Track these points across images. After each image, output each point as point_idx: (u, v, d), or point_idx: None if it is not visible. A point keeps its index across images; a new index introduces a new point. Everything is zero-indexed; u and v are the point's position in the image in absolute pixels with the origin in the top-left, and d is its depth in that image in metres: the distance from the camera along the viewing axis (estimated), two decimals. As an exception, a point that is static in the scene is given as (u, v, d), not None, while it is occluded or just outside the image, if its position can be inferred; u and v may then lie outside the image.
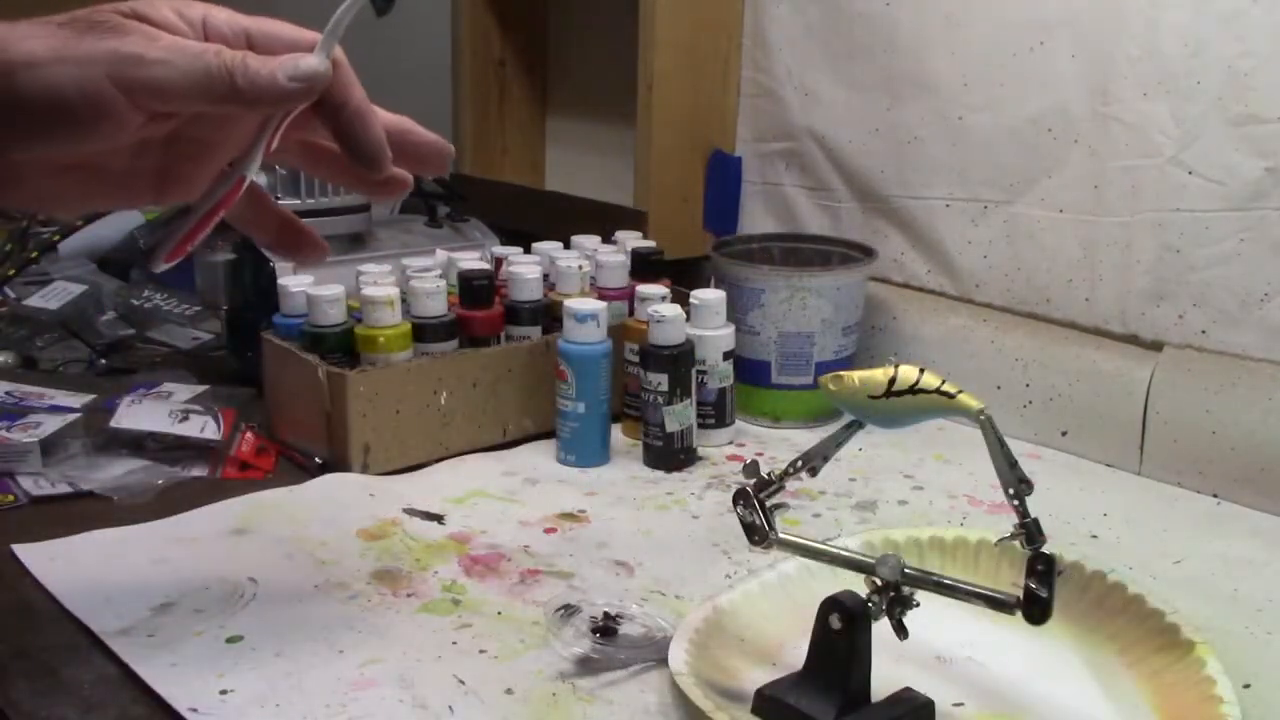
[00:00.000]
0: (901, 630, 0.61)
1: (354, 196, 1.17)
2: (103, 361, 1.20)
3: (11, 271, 1.30)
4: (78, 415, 0.98)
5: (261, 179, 1.13)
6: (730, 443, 1.04)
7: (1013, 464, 0.58)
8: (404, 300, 0.98)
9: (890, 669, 0.64)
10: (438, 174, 0.62)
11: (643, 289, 1.03)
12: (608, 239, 1.18)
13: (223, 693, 0.63)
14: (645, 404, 0.97)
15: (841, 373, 0.63)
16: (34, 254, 1.31)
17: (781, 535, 0.67)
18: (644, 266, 1.10)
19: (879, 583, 0.61)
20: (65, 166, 0.57)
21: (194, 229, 0.58)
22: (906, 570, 0.61)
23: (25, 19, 0.52)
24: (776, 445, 1.03)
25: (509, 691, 0.64)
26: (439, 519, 0.87)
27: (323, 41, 0.56)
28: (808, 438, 1.03)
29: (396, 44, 1.76)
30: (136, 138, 0.55)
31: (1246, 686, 0.65)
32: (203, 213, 0.58)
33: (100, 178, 0.59)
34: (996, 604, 0.59)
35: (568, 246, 1.16)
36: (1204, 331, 0.95)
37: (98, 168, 0.58)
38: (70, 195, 0.59)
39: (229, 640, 0.69)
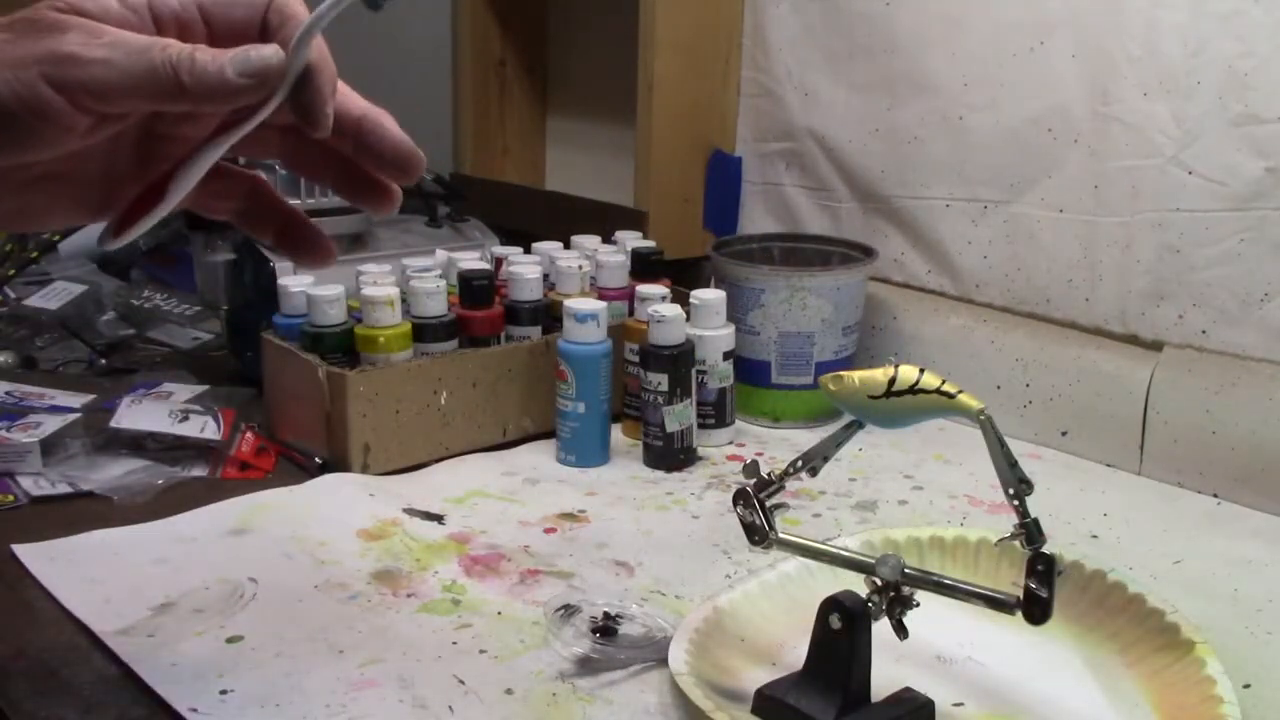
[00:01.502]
0: (901, 630, 0.61)
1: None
2: (103, 361, 1.20)
3: (11, 271, 1.30)
4: (78, 415, 0.98)
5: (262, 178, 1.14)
6: (730, 443, 1.04)
7: (1013, 464, 0.58)
8: (404, 300, 0.98)
9: (890, 669, 0.64)
10: (404, 183, 0.57)
11: (643, 289, 1.03)
12: (608, 239, 1.18)
13: (223, 693, 0.63)
14: (645, 404, 0.97)
15: (841, 373, 0.63)
16: (34, 254, 1.31)
17: (781, 535, 0.67)
18: (644, 266, 1.10)
19: (879, 583, 0.61)
20: (35, 179, 0.54)
21: (135, 205, 0.54)
22: (906, 570, 0.61)
23: None
24: (776, 445, 1.03)
25: (509, 691, 0.64)
26: (439, 519, 0.87)
27: (298, 37, 0.51)
28: (808, 438, 1.03)
29: (396, 44, 1.76)
30: (90, 141, 0.52)
31: (1246, 686, 0.65)
32: (143, 190, 0.54)
33: (76, 187, 0.56)
34: (996, 604, 0.59)
35: (568, 246, 1.16)
36: (1204, 331, 0.95)
37: (70, 177, 0.55)
38: (47, 209, 0.56)
39: (229, 640, 0.69)
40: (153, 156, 0.57)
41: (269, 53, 0.50)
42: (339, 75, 0.53)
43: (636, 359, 0.99)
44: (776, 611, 0.71)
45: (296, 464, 0.96)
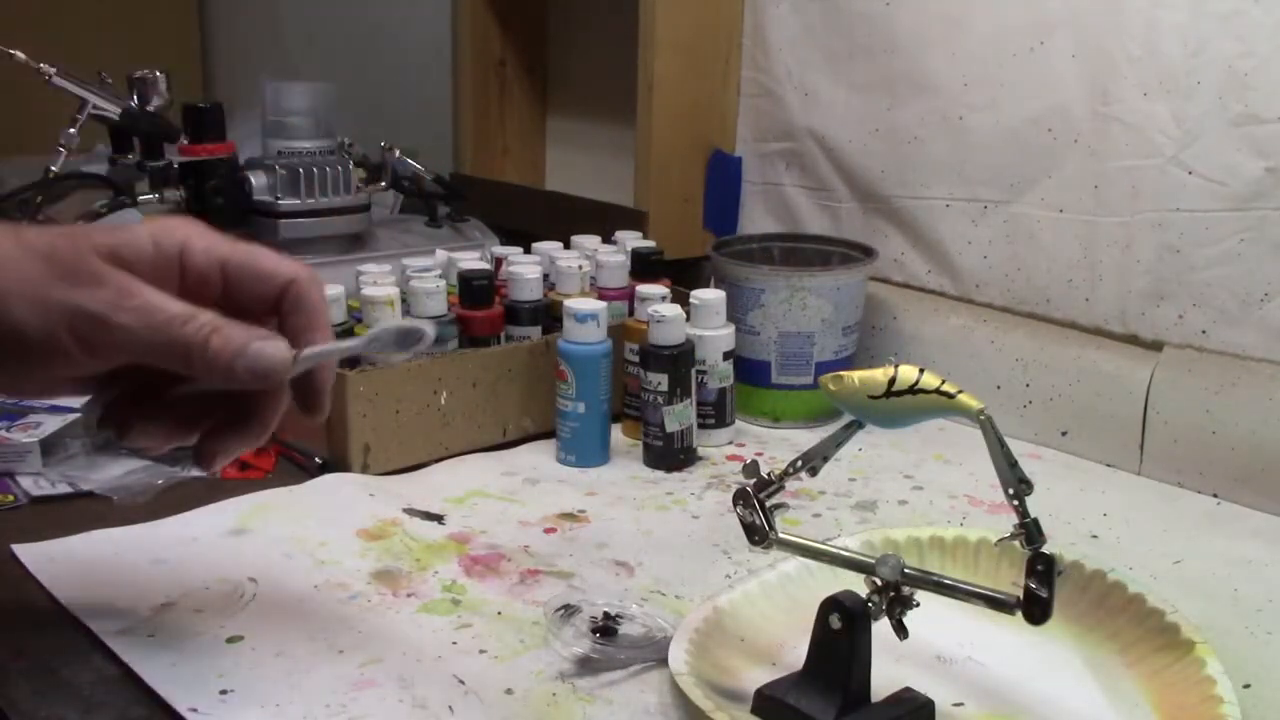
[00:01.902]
0: (901, 630, 0.61)
1: (354, 196, 1.17)
2: (103, 361, 1.19)
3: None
4: (78, 415, 0.98)
5: (262, 179, 1.14)
6: (730, 443, 1.04)
7: (1013, 464, 0.58)
8: (404, 300, 0.98)
9: (890, 669, 0.64)
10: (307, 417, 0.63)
11: (643, 289, 1.03)
12: (608, 239, 1.18)
13: (223, 693, 0.63)
14: (645, 404, 0.97)
15: (841, 373, 0.63)
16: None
17: (781, 535, 0.67)
18: (644, 266, 1.10)
19: (879, 583, 0.61)
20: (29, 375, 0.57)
21: (128, 408, 0.61)
22: (906, 570, 0.61)
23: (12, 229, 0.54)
24: (776, 445, 1.03)
25: (509, 691, 0.64)
26: (439, 519, 0.87)
27: (311, 354, 0.57)
28: (808, 438, 1.03)
29: (397, 44, 1.76)
30: (92, 369, 0.56)
31: (1246, 686, 0.65)
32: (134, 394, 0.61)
33: (72, 380, 0.59)
34: (996, 604, 0.59)
35: (568, 246, 1.16)
36: (1204, 331, 0.95)
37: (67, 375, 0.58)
38: (40, 390, 0.61)
39: (229, 640, 0.69)
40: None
41: (278, 360, 0.55)
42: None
43: (636, 359, 0.99)
44: (776, 611, 0.71)
45: (296, 464, 0.96)
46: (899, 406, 0.61)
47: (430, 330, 0.58)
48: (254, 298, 0.58)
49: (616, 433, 1.02)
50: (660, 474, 0.97)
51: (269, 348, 0.55)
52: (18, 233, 0.54)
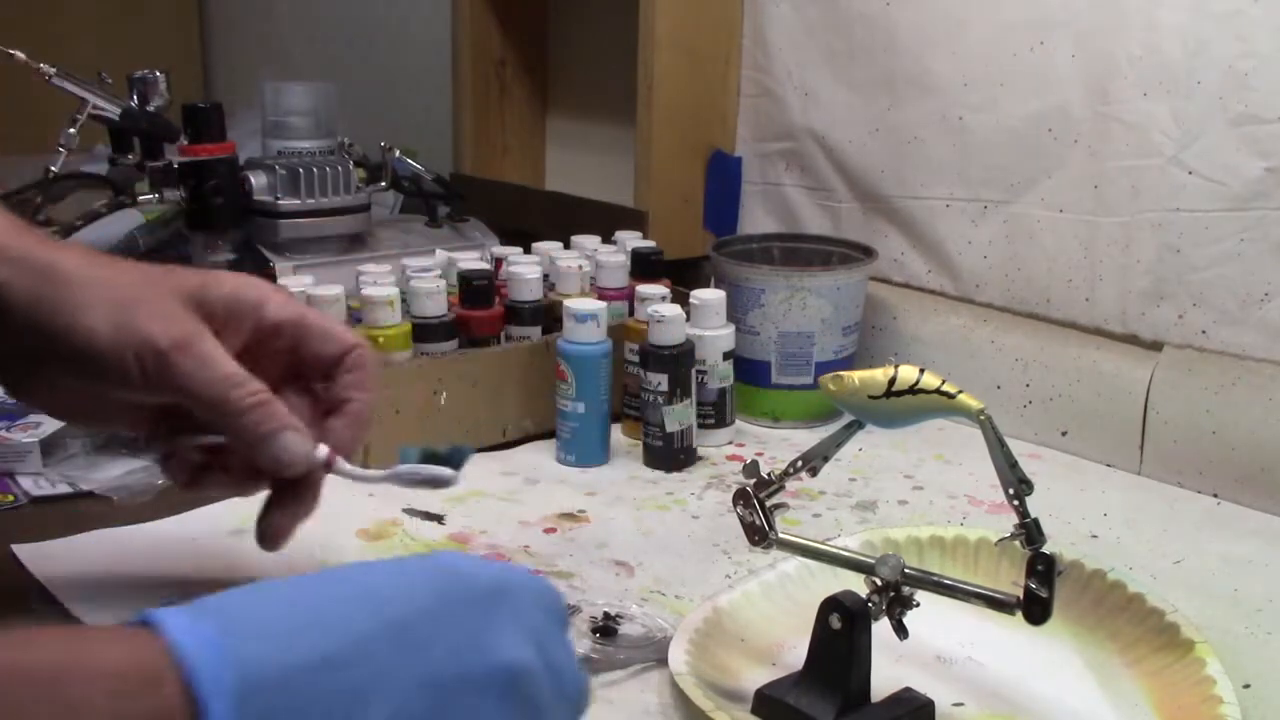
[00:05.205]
0: (901, 630, 0.61)
1: (354, 196, 1.17)
2: (103, 361, 1.19)
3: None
4: (78, 415, 0.98)
5: (262, 179, 1.14)
6: (730, 443, 1.04)
7: (1013, 464, 0.58)
8: (404, 300, 0.98)
9: (890, 669, 0.64)
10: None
11: (643, 289, 1.03)
12: (608, 239, 1.18)
13: (223, 693, 0.63)
14: (645, 404, 0.97)
15: (841, 373, 0.64)
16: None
17: (781, 535, 0.67)
18: (644, 266, 1.10)
19: (879, 583, 0.61)
20: (85, 390, 0.62)
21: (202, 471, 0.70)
22: (906, 570, 0.61)
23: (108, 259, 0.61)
24: (776, 445, 1.03)
25: (509, 691, 0.64)
26: (439, 519, 0.87)
27: (345, 468, 0.65)
28: (808, 438, 1.03)
29: (396, 44, 1.76)
30: (130, 398, 0.62)
31: (1246, 686, 0.65)
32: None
33: (111, 405, 0.64)
34: (996, 604, 0.59)
35: (568, 246, 1.16)
36: (1204, 331, 0.95)
37: (110, 396, 0.63)
38: (83, 412, 0.68)
39: (229, 640, 0.69)
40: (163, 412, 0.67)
41: (299, 455, 0.62)
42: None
43: (636, 359, 0.99)
44: (776, 611, 0.71)
45: (296, 464, 0.95)
46: (899, 406, 0.61)
47: (458, 477, 0.65)
48: (317, 355, 0.65)
49: (616, 433, 1.02)
50: (660, 474, 0.97)
51: (296, 441, 0.61)
52: (116, 261, 0.61)
